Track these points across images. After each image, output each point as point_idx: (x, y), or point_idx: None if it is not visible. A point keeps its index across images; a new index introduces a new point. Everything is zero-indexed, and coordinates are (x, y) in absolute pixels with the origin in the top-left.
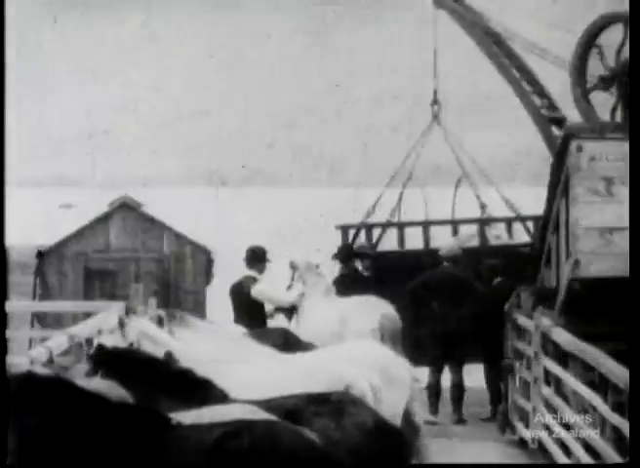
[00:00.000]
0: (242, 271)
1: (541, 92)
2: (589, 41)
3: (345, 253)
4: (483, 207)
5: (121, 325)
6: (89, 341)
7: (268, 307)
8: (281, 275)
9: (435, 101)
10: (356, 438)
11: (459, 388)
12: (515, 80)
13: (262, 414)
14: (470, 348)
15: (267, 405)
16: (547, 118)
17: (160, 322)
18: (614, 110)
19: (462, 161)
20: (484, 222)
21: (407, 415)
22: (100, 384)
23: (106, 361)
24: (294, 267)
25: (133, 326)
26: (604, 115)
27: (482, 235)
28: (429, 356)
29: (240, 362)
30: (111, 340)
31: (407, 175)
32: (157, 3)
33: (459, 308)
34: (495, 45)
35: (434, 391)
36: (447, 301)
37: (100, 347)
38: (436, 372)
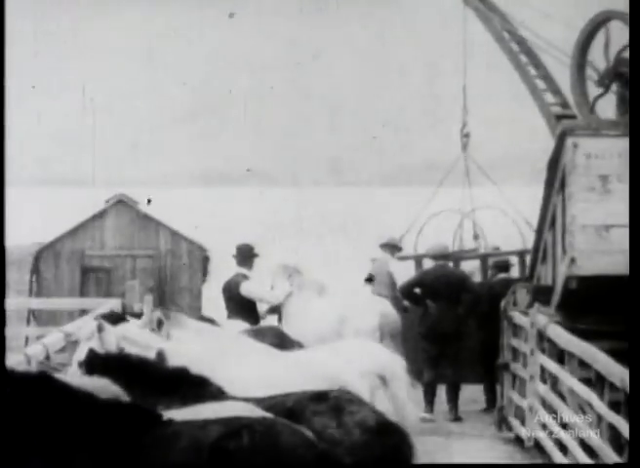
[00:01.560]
0: (237, 269)
1: (556, 90)
2: (588, 37)
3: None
4: (476, 237)
5: (99, 330)
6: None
7: (261, 308)
8: (272, 274)
9: (465, 134)
10: (357, 436)
11: (454, 386)
12: (529, 78)
13: (259, 412)
14: (466, 346)
15: (266, 402)
16: (558, 116)
17: (160, 324)
18: (595, 100)
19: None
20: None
21: (401, 413)
22: (92, 382)
23: (98, 366)
24: (278, 271)
25: (111, 330)
26: (605, 112)
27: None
28: (425, 354)
29: (236, 359)
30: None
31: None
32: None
33: (454, 306)
34: (515, 43)
35: (430, 389)
36: (442, 299)
37: (92, 352)
38: (432, 370)
